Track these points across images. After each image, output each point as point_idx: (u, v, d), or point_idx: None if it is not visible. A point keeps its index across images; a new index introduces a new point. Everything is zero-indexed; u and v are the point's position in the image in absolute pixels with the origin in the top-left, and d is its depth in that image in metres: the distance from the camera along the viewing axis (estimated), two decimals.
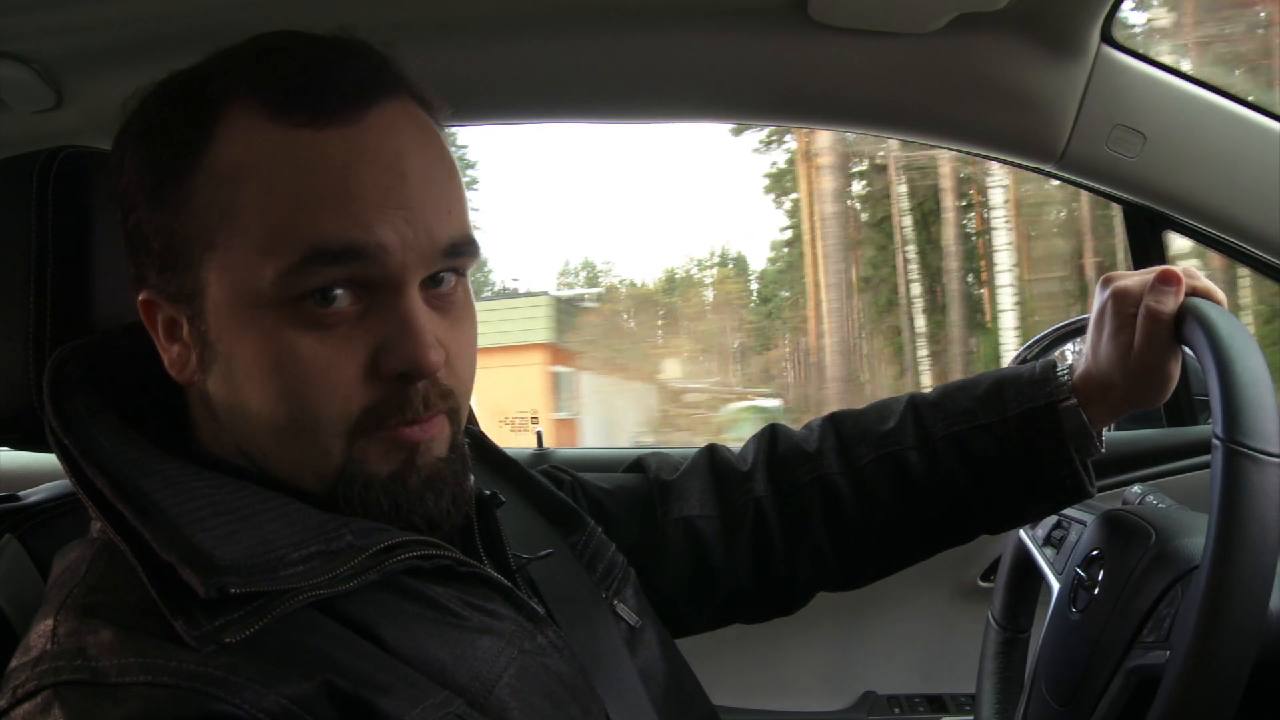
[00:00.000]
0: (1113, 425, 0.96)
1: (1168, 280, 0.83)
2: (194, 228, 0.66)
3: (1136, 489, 1.19)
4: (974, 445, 0.94)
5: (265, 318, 0.65)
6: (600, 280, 27.75)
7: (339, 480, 0.68)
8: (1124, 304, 0.86)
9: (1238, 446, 0.70)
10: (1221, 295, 0.84)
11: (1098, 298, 0.90)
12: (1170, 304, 0.83)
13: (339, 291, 0.65)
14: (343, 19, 0.70)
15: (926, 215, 15.26)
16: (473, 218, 0.73)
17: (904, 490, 0.96)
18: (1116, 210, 1.58)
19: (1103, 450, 0.93)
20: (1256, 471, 0.69)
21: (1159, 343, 0.84)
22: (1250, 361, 0.73)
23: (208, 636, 0.58)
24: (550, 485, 0.96)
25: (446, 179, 0.70)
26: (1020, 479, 0.93)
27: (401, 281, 0.66)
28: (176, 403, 0.73)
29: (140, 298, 0.70)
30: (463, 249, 0.70)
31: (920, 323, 15.52)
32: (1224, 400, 0.72)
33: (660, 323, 23.91)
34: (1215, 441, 0.72)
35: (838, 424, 1.02)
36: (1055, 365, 0.94)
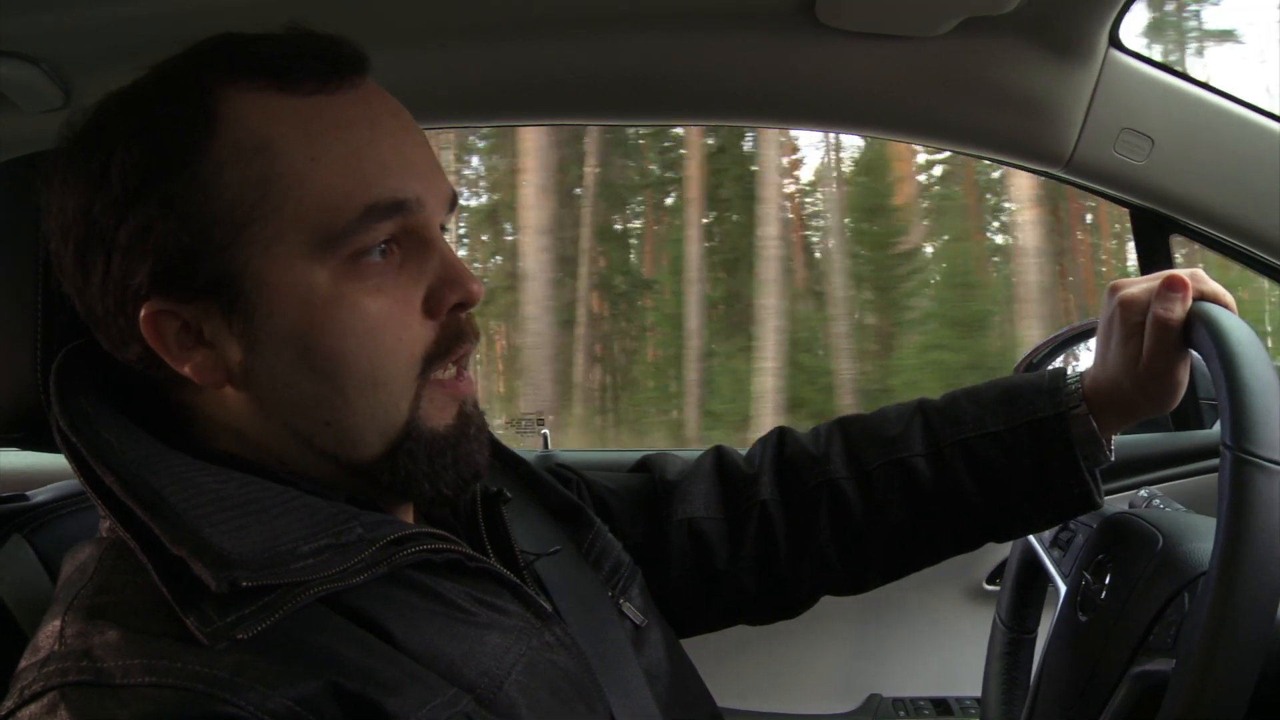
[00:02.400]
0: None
1: (1174, 287, 0.82)
2: (219, 208, 0.65)
3: (1143, 492, 1.19)
4: (982, 453, 0.94)
5: (321, 281, 0.66)
6: None
7: (405, 435, 0.70)
8: (1131, 312, 0.86)
9: (1246, 455, 0.69)
10: (1230, 298, 0.84)
11: (1105, 305, 0.90)
12: (1178, 311, 0.82)
13: (383, 245, 0.68)
14: (345, 19, 0.71)
15: None
16: None
17: (911, 497, 0.96)
18: None
19: (1112, 459, 0.93)
20: (1264, 480, 0.69)
21: (1168, 350, 0.84)
22: (1259, 368, 0.73)
23: (219, 633, 0.58)
24: (557, 484, 0.96)
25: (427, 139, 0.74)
26: (1028, 488, 0.93)
27: (431, 228, 0.71)
28: (177, 412, 0.73)
29: (143, 313, 0.66)
30: (456, 201, 0.75)
31: None
32: (1232, 408, 0.72)
33: None
34: (1223, 449, 0.71)
35: (845, 428, 1.02)
36: (1065, 373, 0.94)
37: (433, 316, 0.70)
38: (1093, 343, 0.93)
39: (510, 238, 10.77)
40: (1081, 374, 0.93)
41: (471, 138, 10.65)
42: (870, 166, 10.33)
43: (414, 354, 0.69)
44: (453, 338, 0.71)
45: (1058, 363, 1.48)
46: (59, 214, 0.68)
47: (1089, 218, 10.20)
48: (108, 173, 0.65)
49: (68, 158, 0.68)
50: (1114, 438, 0.93)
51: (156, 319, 0.67)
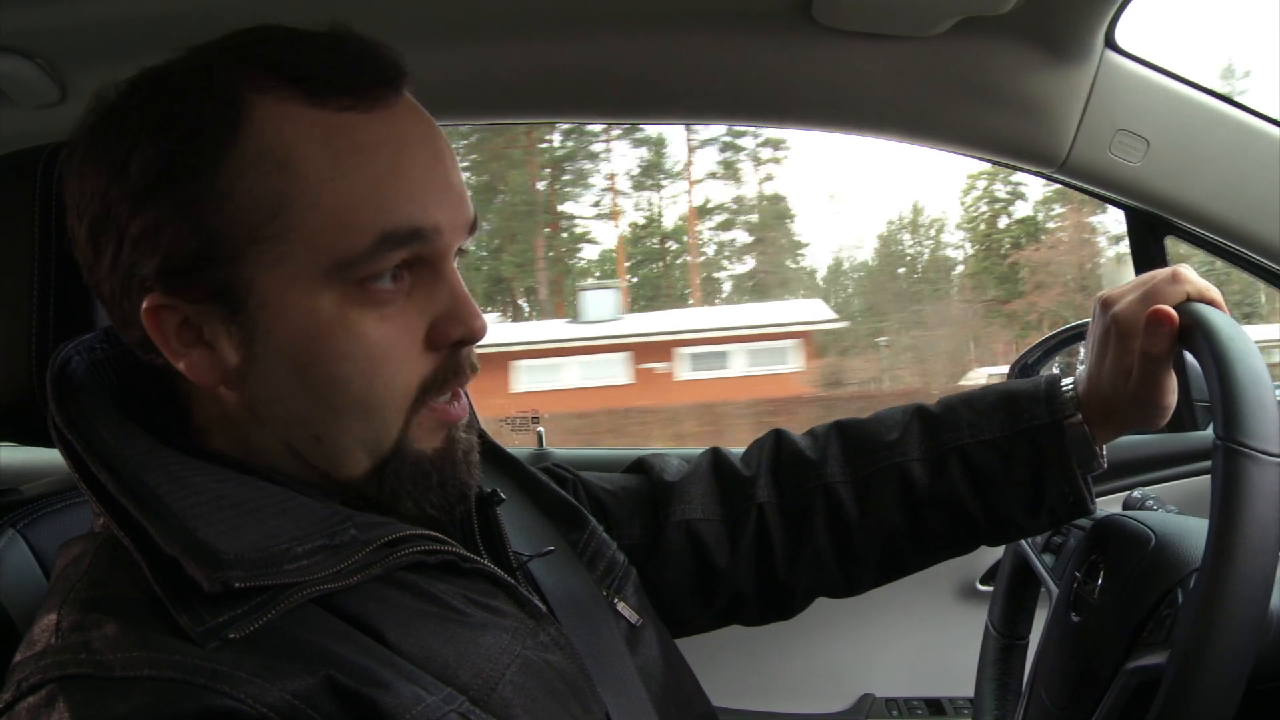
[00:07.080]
0: None
1: (1161, 322, 0.83)
2: (232, 220, 0.64)
3: (1136, 494, 1.20)
4: (979, 460, 0.94)
5: (326, 303, 0.65)
6: None
7: (393, 456, 0.70)
8: (1126, 335, 0.86)
9: (1238, 446, 0.70)
10: (1217, 294, 0.85)
11: (1098, 319, 0.90)
12: (1164, 345, 0.83)
13: (394, 270, 0.67)
14: (346, 18, 0.70)
15: None
16: None
17: (906, 502, 0.96)
18: None
19: (1105, 466, 0.93)
20: (1257, 471, 0.69)
21: (1157, 379, 0.85)
22: (1250, 362, 0.74)
23: (212, 632, 0.58)
24: (552, 483, 0.96)
25: (456, 160, 0.72)
26: (1023, 494, 0.94)
27: (446, 257, 0.70)
28: (176, 398, 0.73)
29: (145, 305, 0.66)
30: (476, 225, 0.73)
31: None
32: (1224, 401, 0.72)
33: None
34: (1216, 441, 0.72)
35: (842, 432, 1.02)
36: (1059, 380, 0.94)
37: (434, 349, 0.70)
38: (1081, 346, 0.94)
39: None
40: (1075, 380, 0.93)
41: None
42: None
43: (410, 384, 0.69)
44: (450, 373, 0.71)
45: (1048, 368, 1.48)
46: (76, 191, 0.68)
47: None
48: (128, 163, 0.64)
49: (91, 136, 0.67)
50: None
51: (158, 312, 0.66)
